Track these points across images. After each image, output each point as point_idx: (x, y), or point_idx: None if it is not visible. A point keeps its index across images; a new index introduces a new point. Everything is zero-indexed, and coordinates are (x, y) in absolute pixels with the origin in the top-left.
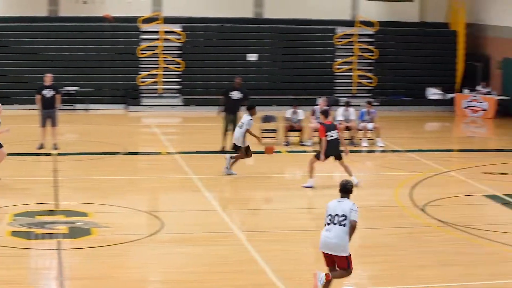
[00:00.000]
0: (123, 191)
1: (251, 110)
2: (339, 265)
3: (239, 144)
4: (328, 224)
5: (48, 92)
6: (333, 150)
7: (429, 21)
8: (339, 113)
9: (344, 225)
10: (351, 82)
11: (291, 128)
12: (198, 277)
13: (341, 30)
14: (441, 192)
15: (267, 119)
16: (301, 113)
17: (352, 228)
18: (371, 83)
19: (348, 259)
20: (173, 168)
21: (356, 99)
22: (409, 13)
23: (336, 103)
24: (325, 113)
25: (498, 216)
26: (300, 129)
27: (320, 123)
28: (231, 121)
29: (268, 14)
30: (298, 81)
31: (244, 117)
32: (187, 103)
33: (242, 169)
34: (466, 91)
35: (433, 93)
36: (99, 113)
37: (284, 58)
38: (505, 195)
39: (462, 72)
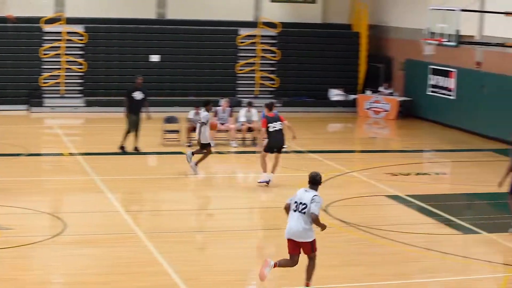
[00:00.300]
0: (25, 192)
1: (207, 106)
2: (305, 251)
3: (206, 141)
4: (294, 211)
5: None
6: (277, 142)
7: (331, 23)
8: (242, 114)
9: (304, 213)
10: (253, 83)
11: (193, 129)
12: (101, 278)
13: (244, 31)
14: (344, 192)
15: (169, 120)
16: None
17: (313, 220)
18: (273, 84)
19: (312, 244)
20: (75, 170)
21: (259, 100)
22: (311, 15)
23: (238, 104)
24: (269, 106)
25: (400, 216)
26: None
27: (265, 116)
28: (135, 121)
29: (171, 15)
30: (201, 82)
31: (202, 114)
32: (89, 104)
33: (144, 170)
34: (368, 92)
35: (335, 94)
36: (0, 114)
37: (186, 59)
38: (406, 195)
39: (364, 73)
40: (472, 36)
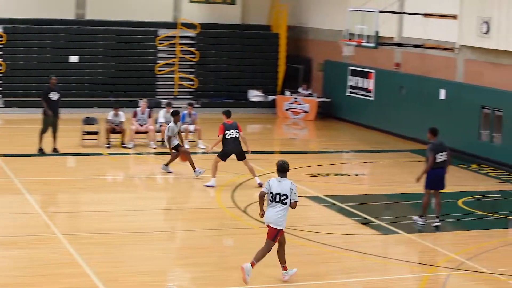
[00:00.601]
0: None
1: (175, 116)
2: (268, 234)
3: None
4: (271, 201)
5: None
6: (233, 148)
7: (251, 24)
8: (161, 115)
9: (285, 203)
10: (172, 84)
11: (112, 130)
12: (20, 280)
13: (163, 32)
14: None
15: (88, 121)
16: (123, 115)
17: (293, 207)
18: (192, 85)
19: (278, 232)
20: None
21: (178, 101)
22: (231, 16)
23: (157, 105)
24: (227, 113)
25: (320, 217)
26: (121, 131)
27: (223, 123)
28: (52, 122)
29: (90, 15)
30: (120, 83)
31: (170, 125)
32: (8, 105)
33: (63, 172)
34: (287, 93)
35: (254, 95)
36: None
37: (106, 60)
38: (326, 196)
39: (283, 74)
40: (391, 37)
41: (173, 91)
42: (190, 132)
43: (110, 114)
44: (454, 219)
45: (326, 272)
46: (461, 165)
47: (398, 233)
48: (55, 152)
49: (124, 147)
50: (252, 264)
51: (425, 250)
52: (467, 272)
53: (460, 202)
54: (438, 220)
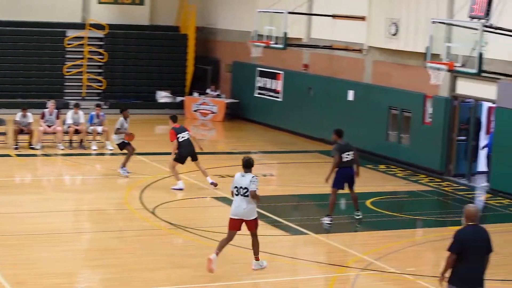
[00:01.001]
0: None
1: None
2: (249, 228)
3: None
4: (236, 195)
5: None
6: (187, 150)
7: (159, 25)
8: (69, 116)
9: (247, 195)
10: (81, 85)
11: (20, 132)
12: None
13: (71, 33)
14: (172, 194)
15: None
16: (31, 116)
17: (253, 196)
18: (101, 86)
19: (255, 221)
20: None
21: (86, 102)
22: (139, 17)
23: (65, 106)
24: (173, 118)
25: (228, 218)
26: (29, 133)
27: (173, 128)
28: None
29: None
30: (28, 84)
31: (119, 121)
32: None
33: None
34: (195, 94)
35: (162, 96)
36: None
37: (13, 60)
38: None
39: (191, 75)
40: (300, 38)
41: (81, 92)
42: (98, 133)
43: (18, 115)
44: (363, 220)
45: (235, 273)
46: (369, 166)
47: (307, 233)
48: None
49: (32, 148)
50: (257, 259)
51: (334, 251)
52: (376, 272)
53: (368, 203)
54: (359, 213)
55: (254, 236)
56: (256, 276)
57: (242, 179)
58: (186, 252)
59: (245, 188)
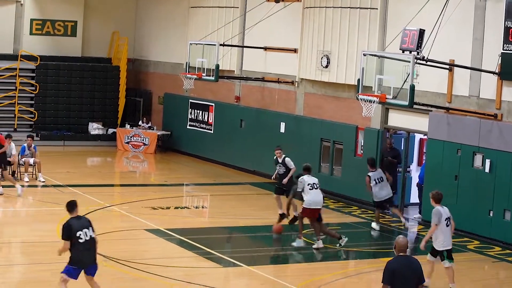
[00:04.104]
0: None
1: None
2: (314, 216)
3: None
4: (316, 188)
5: None
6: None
7: (91, 56)
8: None
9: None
10: (13, 116)
11: None
12: None
13: (3, 64)
14: (104, 226)
15: None
16: None
17: None
18: (32, 117)
19: None
20: None
21: (17, 133)
22: (72, 48)
23: None
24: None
25: (161, 250)
26: None
27: None
28: None
29: None
30: None
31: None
32: None
33: None
34: (127, 126)
35: (94, 128)
36: None
37: None
38: (166, 229)
39: (123, 107)
40: (232, 70)
41: (13, 124)
42: (30, 164)
43: None
44: (295, 251)
45: None
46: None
47: (239, 265)
48: None
49: None
50: (318, 239)
51: (267, 282)
52: None
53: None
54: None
55: (321, 220)
56: None
57: (311, 178)
58: (120, 285)
59: (318, 184)
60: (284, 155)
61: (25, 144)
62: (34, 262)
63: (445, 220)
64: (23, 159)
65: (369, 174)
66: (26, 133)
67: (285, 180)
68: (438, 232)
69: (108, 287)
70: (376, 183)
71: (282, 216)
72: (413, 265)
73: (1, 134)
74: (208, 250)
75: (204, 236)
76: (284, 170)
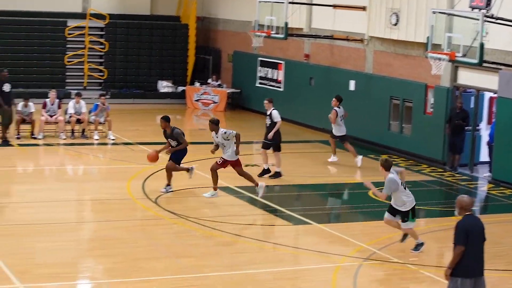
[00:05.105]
0: None
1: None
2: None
3: None
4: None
5: None
6: None
7: (160, 14)
8: (70, 106)
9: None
10: (82, 75)
11: (22, 121)
12: None
13: (72, 23)
14: (174, 184)
15: None
16: (32, 106)
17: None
18: (102, 76)
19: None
20: None
21: (87, 91)
22: (140, 6)
23: (67, 95)
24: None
25: (231, 207)
26: (31, 122)
27: None
28: (8, 113)
29: None
30: (29, 74)
31: None
32: None
33: None
34: (197, 84)
35: (164, 86)
36: None
37: (15, 50)
38: (236, 186)
39: (193, 65)
40: (301, 28)
41: (82, 82)
42: (100, 123)
43: (19, 105)
44: (365, 210)
45: (237, 263)
46: (371, 156)
47: (309, 223)
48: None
49: (34, 138)
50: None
51: (337, 240)
52: (379, 262)
53: (370, 193)
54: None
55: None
56: (256, 266)
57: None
58: (188, 241)
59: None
60: (273, 107)
61: (97, 103)
62: (104, 220)
63: (402, 185)
64: (93, 117)
65: (336, 109)
66: (96, 92)
67: (270, 135)
68: (401, 197)
69: (179, 244)
70: (341, 119)
71: (265, 172)
72: (479, 224)
73: None
74: (279, 207)
75: (274, 193)
76: (270, 123)
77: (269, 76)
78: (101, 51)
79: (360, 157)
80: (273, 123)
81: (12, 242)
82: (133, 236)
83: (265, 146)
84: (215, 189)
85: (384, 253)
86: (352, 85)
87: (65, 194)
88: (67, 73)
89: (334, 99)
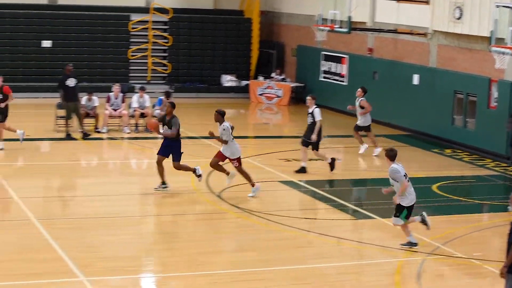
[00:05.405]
0: None
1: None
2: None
3: None
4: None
5: None
6: None
7: (224, 9)
8: (134, 100)
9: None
10: (146, 69)
11: (86, 115)
12: None
13: (135, 17)
14: (237, 178)
15: (61, 106)
16: (96, 100)
17: None
18: (166, 70)
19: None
20: None
21: (151, 85)
22: (204, 1)
23: (131, 90)
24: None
25: (294, 202)
26: (95, 116)
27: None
28: (73, 108)
29: (63, 0)
30: (93, 68)
31: None
32: None
33: (37, 156)
34: (260, 78)
35: (228, 80)
36: None
37: (78, 44)
38: (300, 181)
39: (256, 59)
40: (364, 22)
41: (146, 76)
42: None
43: (83, 99)
44: (429, 204)
45: (300, 257)
46: (435, 150)
47: (373, 217)
48: (85, 136)
49: (98, 132)
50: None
51: (400, 235)
52: (442, 256)
53: (435, 187)
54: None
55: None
56: (320, 260)
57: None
58: (251, 235)
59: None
60: (315, 105)
61: (162, 97)
62: (167, 213)
63: (405, 176)
64: (157, 111)
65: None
66: (159, 86)
67: (313, 137)
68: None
69: (243, 238)
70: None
71: (303, 169)
72: None
73: (6, 85)
74: (342, 202)
75: (338, 188)
76: (312, 121)
77: (333, 70)
78: (164, 45)
79: (379, 149)
80: (315, 122)
81: (76, 235)
82: (196, 230)
83: (305, 144)
84: (253, 185)
85: (447, 247)
86: (415, 79)
87: (129, 188)
88: (131, 67)
89: (359, 89)
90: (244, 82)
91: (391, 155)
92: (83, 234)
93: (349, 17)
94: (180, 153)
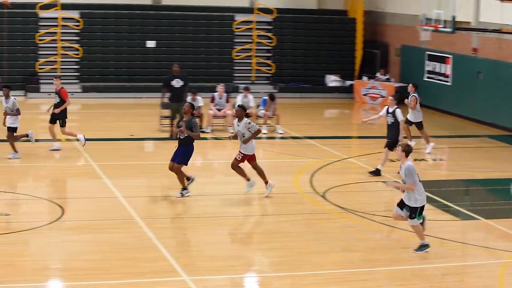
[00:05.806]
0: (23, 178)
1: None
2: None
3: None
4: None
5: None
6: None
7: (327, 9)
8: (239, 100)
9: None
10: (250, 69)
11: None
12: (98, 264)
13: (239, 17)
14: (341, 178)
15: (166, 106)
16: (200, 100)
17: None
18: (270, 70)
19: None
20: (73, 155)
21: (255, 86)
22: (307, 1)
23: (235, 89)
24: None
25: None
26: (199, 116)
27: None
28: (177, 109)
29: (167, 0)
30: (197, 68)
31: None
32: (85, 89)
33: (141, 156)
34: (365, 78)
35: (332, 80)
36: None
37: (183, 45)
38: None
39: (360, 59)
40: (468, 22)
41: (250, 76)
42: (269, 117)
43: (188, 99)
44: None
45: (403, 258)
46: None
47: (477, 218)
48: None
49: (202, 131)
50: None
51: (504, 236)
52: None
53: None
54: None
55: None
56: (424, 261)
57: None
58: (355, 236)
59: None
60: (396, 106)
61: (266, 97)
62: (271, 213)
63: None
64: (261, 111)
65: (416, 95)
66: (263, 86)
67: (401, 137)
68: (418, 188)
69: (347, 238)
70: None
71: (377, 172)
72: None
73: (64, 88)
74: (445, 202)
75: (442, 188)
76: (393, 121)
77: (437, 70)
78: (268, 46)
79: (431, 144)
80: (397, 122)
81: (180, 234)
82: (300, 230)
83: (390, 146)
84: (248, 180)
85: None
86: None
87: (233, 187)
88: (235, 67)
89: (411, 85)
90: (348, 82)
91: (408, 151)
92: (185, 233)
93: (453, 17)
94: (189, 159)
